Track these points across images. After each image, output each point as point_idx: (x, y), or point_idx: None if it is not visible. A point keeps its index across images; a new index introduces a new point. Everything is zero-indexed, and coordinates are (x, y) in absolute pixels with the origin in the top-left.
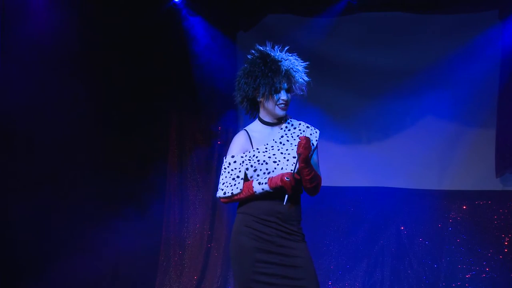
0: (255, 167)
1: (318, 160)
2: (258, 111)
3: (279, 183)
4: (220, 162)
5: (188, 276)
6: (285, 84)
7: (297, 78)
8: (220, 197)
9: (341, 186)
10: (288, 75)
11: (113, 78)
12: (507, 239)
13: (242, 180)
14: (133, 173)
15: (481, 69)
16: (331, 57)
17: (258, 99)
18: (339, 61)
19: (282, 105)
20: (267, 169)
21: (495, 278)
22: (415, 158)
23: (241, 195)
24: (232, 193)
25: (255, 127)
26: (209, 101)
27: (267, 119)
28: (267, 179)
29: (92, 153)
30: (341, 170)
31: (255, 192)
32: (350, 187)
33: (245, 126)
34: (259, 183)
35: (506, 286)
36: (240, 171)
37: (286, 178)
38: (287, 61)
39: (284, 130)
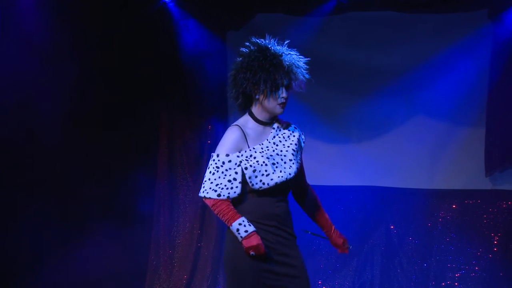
0: (254, 167)
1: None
2: (249, 108)
3: (245, 250)
4: None
5: (178, 275)
6: (286, 81)
7: (298, 74)
8: (210, 198)
9: (330, 185)
10: (290, 71)
11: (102, 77)
12: (496, 238)
13: (240, 184)
14: (123, 171)
15: (471, 68)
16: (321, 56)
17: (256, 96)
18: (330, 60)
19: (282, 103)
20: (266, 170)
21: (484, 277)
22: (405, 157)
23: (228, 207)
24: (228, 196)
25: (248, 124)
26: (199, 99)
27: (262, 117)
28: (248, 233)
29: (82, 151)
30: (331, 169)
31: (231, 226)
32: (339, 186)
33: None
34: (237, 230)
35: (496, 285)
36: (236, 173)
37: (252, 253)
38: (288, 56)
39: (276, 130)
